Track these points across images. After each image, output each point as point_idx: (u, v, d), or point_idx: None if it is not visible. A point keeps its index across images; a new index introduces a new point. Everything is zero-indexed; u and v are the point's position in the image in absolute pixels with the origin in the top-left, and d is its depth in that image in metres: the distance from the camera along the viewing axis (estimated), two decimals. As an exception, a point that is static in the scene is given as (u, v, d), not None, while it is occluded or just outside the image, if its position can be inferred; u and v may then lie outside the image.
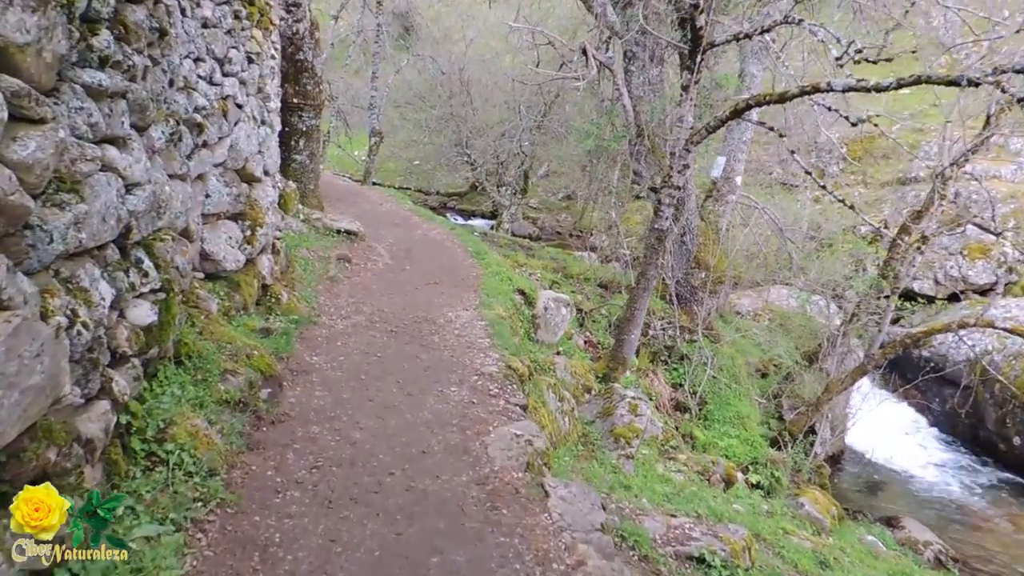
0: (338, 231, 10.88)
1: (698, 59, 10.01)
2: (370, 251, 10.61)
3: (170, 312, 4.60)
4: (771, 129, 9.89)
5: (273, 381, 5.53)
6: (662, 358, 14.37)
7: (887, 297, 14.03)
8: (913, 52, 9.06)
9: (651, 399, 13.11)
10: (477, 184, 22.73)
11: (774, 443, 14.10)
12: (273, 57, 8.32)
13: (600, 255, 20.64)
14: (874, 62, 8.47)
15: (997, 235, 15.40)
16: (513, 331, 8.42)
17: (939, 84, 8.44)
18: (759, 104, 9.75)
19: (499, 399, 6.16)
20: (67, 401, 3.22)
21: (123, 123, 4.12)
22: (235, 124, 6.74)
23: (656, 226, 10.74)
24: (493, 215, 23.51)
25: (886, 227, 17.03)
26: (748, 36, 9.59)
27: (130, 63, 4.20)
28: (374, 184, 22.16)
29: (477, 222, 24.43)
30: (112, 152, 3.98)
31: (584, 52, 13.51)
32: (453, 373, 6.57)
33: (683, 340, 14.37)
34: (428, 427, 5.49)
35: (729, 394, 14.28)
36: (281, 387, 5.64)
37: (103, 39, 3.77)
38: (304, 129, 11.48)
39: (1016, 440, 15.95)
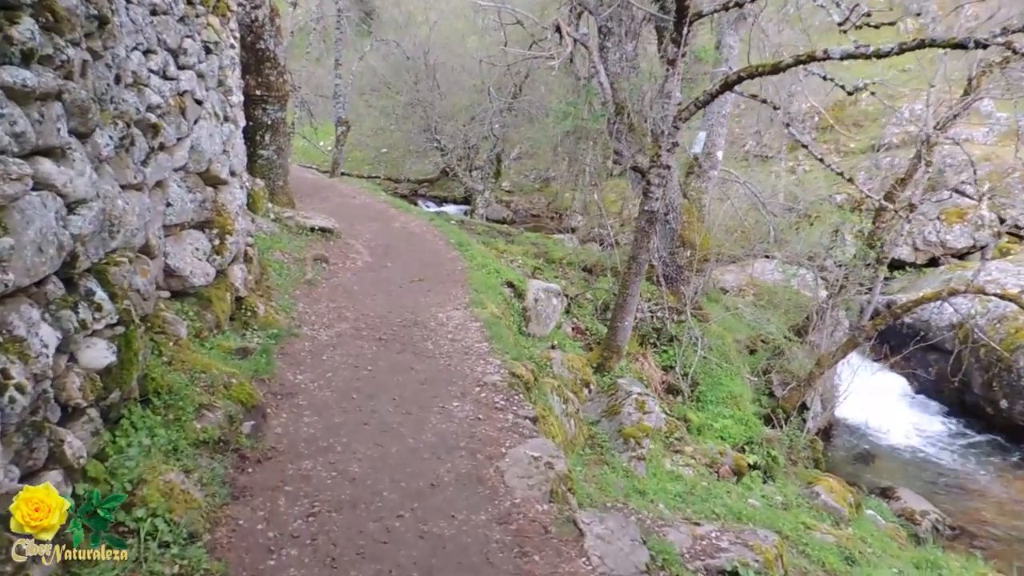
0: (312, 229, 10.12)
1: (684, 31, 9.37)
2: (348, 249, 9.87)
3: (131, 348, 3.88)
4: (764, 102, 9.30)
5: (256, 411, 4.83)
6: (651, 341, 13.82)
7: (876, 267, 13.60)
8: (918, 15, 8.48)
9: (643, 383, 12.58)
10: (448, 170, 21.96)
11: (767, 420, 13.72)
12: (232, 47, 7.52)
13: (579, 236, 20.05)
14: (876, 26, 7.91)
15: (979, 200, 15.09)
16: (508, 328, 7.77)
17: (944, 47, 7.90)
18: (751, 76, 9.14)
19: (507, 412, 5.51)
20: (1, 490, 2.52)
21: (59, 130, 3.38)
22: (195, 122, 5.98)
23: (646, 208, 10.14)
24: (466, 200, 22.77)
25: (869, 195, 16.56)
26: (739, 4, 8.96)
27: (64, 57, 3.46)
28: (343, 175, 21.29)
29: (450, 208, 23.67)
30: (47, 166, 3.24)
31: (558, 29, 12.80)
32: (453, 385, 5.90)
33: (672, 321, 13.84)
34: (434, 452, 4.83)
35: (720, 374, 13.83)
36: (265, 417, 4.94)
37: (25, 29, 3.02)
38: (269, 122, 10.66)
39: (1003, 403, 15.69)
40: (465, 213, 21.97)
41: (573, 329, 12.59)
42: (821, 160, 9.30)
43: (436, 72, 20.37)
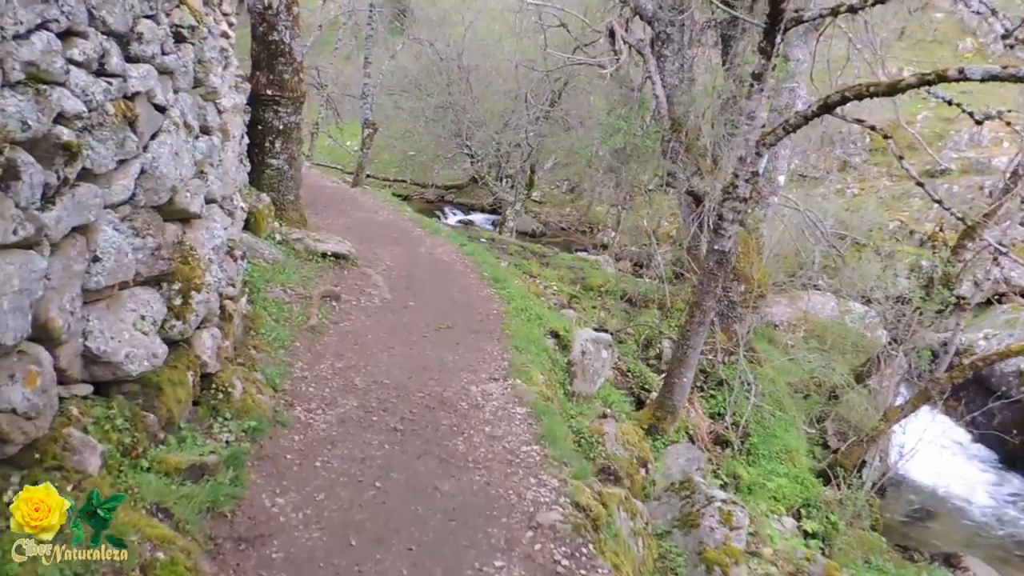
0: (324, 255, 8.26)
1: (777, 39, 7.43)
2: (364, 281, 8.00)
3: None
4: (873, 128, 7.34)
5: (196, 603, 2.95)
6: (698, 384, 11.89)
7: (956, 312, 11.59)
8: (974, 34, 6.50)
9: (687, 434, 10.71)
10: (477, 177, 20.04)
11: (822, 477, 11.83)
12: (226, 35, 5.65)
13: (612, 252, 18.13)
14: (1044, 40, 5.96)
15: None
16: (560, 413, 5.84)
17: None
18: (858, 97, 7.19)
19: (573, 580, 3.61)
20: None
21: None
22: (153, 137, 4.11)
23: (717, 247, 8.21)
24: (494, 210, 20.85)
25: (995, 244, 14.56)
26: (853, 10, 7.00)
27: None
28: (368, 176, 19.43)
29: (477, 217, 21.79)
30: None
31: (611, 34, 10.86)
32: (495, 524, 3.98)
33: (722, 364, 11.92)
34: None
35: (774, 424, 11.91)
36: (212, 605, 3.06)
37: None
38: (281, 127, 8.79)
39: (1075, 461, 13.64)
40: (493, 224, 20.08)
41: (614, 370, 10.71)
42: (939, 202, 7.33)
43: (469, 75, 18.42)
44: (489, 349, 6.67)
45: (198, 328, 4.48)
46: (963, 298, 11.69)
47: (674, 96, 11.24)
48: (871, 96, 7.13)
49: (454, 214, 21.83)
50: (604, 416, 7.20)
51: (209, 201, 4.91)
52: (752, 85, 7.75)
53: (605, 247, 19.05)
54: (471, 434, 4.91)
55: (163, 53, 4.20)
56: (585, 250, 19.69)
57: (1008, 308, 16.53)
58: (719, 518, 5.44)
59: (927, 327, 12.52)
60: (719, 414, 11.60)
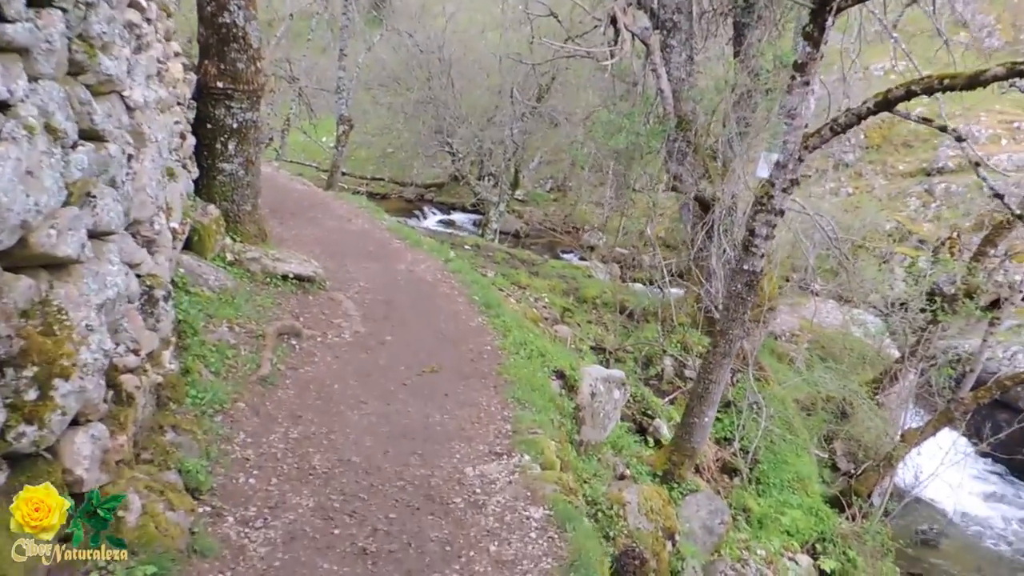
0: (285, 277, 6.69)
1: (828, 22, 6.03)
2: (332, 310, 6.46)
3: None
4: (943, 129, 5.96)
5: None
6: (703, 406, 10.40)
7: (988, 327, 10.32)
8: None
9: (695, 464, 9.30)
10: (459, 175, 18.46)
11: (833, 503, 10.58)
12: (137, 6, 4.07)
13: (599, 255, 16.71)
14: None
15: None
16: (576, 488, 4.36)
17: None
18: (928, 91, 5.80)
19: None
20: None
21: None
22: (-19, 150, 2.54)
23: (747, 267, 6.81)
24: (476, 209, 19.30)
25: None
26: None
27: None
28: (344, 175, 17.77)
29: (458, 216, 20.24)
30: None
31: (613, 22, 9.36)
32: None
33: (729, 384, 10.55)
34: None
35: (784, 449, 10.60)
36: None
37: None
38: (235, 126, 7.17)
39: (1091, 478, 12.49)
40: (475, 224, 18.55)
41: (617, 400, 9.26)
42: (1020, 217, 5.96)
43: (451, 68, 16.81)
44: (485, 403, 5.17)
45: (71, 425, 2.93)
46: (991, 309, 10.45)
47: (680, 91, 9.79)
48: (944, 90, 5.74)
49: (434, 214, 20.29)
50: (622, 478, 5.76)
51: (100, 235, 3.34)
52: (793, 77, 6.32)
53: (592, 248, 17.63)
54: (471, 557, 3.40)
55: (2, 20, 2.63)
56: (571, 251, 18.26)
57: (1014, 313, 15.37)
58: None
59: (950, 338, 11.32)
60: (726, 439, 10.28)
